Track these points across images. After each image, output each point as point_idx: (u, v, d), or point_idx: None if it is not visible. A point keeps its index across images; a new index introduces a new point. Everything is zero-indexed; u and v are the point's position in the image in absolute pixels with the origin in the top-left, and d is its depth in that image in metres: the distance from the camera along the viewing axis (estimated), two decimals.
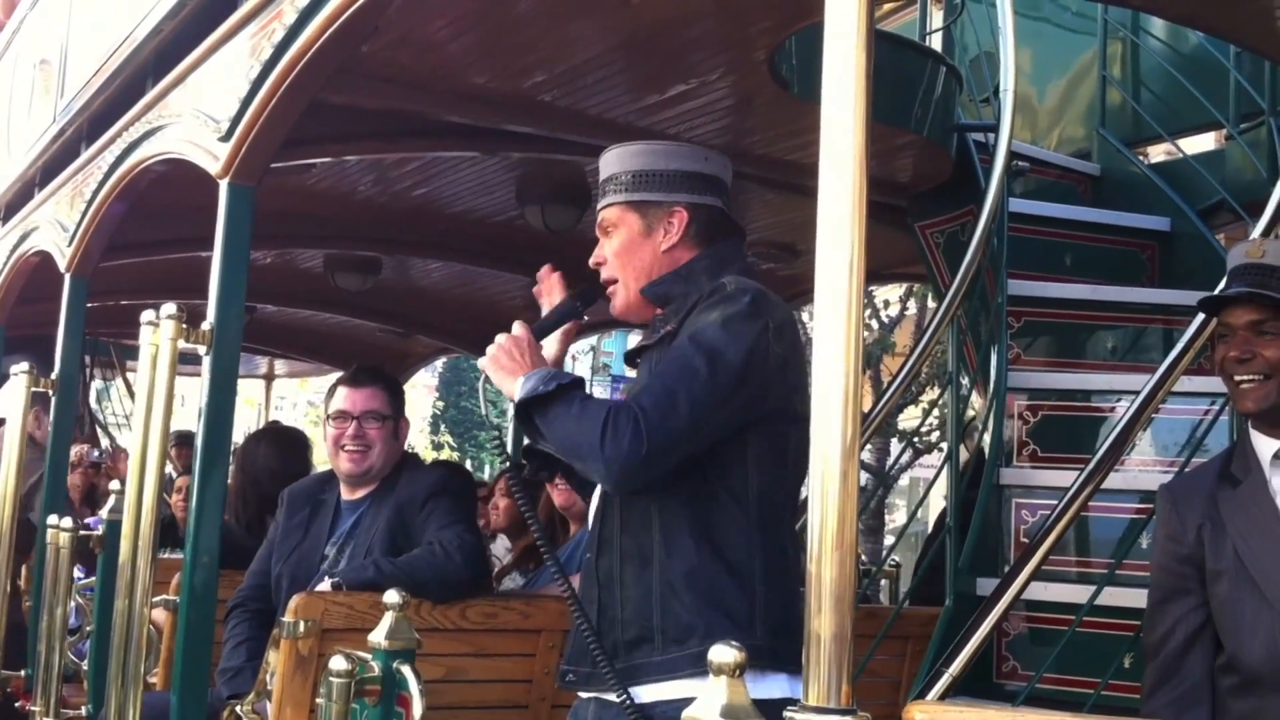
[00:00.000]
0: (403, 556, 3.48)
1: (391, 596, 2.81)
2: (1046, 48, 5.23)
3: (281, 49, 3.24)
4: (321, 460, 4.93)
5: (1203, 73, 4.78)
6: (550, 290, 2.76)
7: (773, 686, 2.27)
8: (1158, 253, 4.61)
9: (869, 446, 12.01)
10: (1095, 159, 5.09)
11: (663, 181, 2.59)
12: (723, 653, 1.72)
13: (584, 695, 2.51)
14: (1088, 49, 5.41)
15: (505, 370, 2.51)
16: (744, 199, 5.05)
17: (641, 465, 2.29)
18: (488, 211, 5.67)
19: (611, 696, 2.38)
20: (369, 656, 2.80)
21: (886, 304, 11.79)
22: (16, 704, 4.98)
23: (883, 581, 5.57)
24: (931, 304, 11.67)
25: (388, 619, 2.81)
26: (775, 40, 3.43)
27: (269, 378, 10.33)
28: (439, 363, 27.75)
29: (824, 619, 1.63)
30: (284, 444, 5.04)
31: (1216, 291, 2.73)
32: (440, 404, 33.62)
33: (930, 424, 11.52)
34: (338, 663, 2.73)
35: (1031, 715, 1.61)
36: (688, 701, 1.97)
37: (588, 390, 2.46)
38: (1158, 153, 6.11)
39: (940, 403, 11.93)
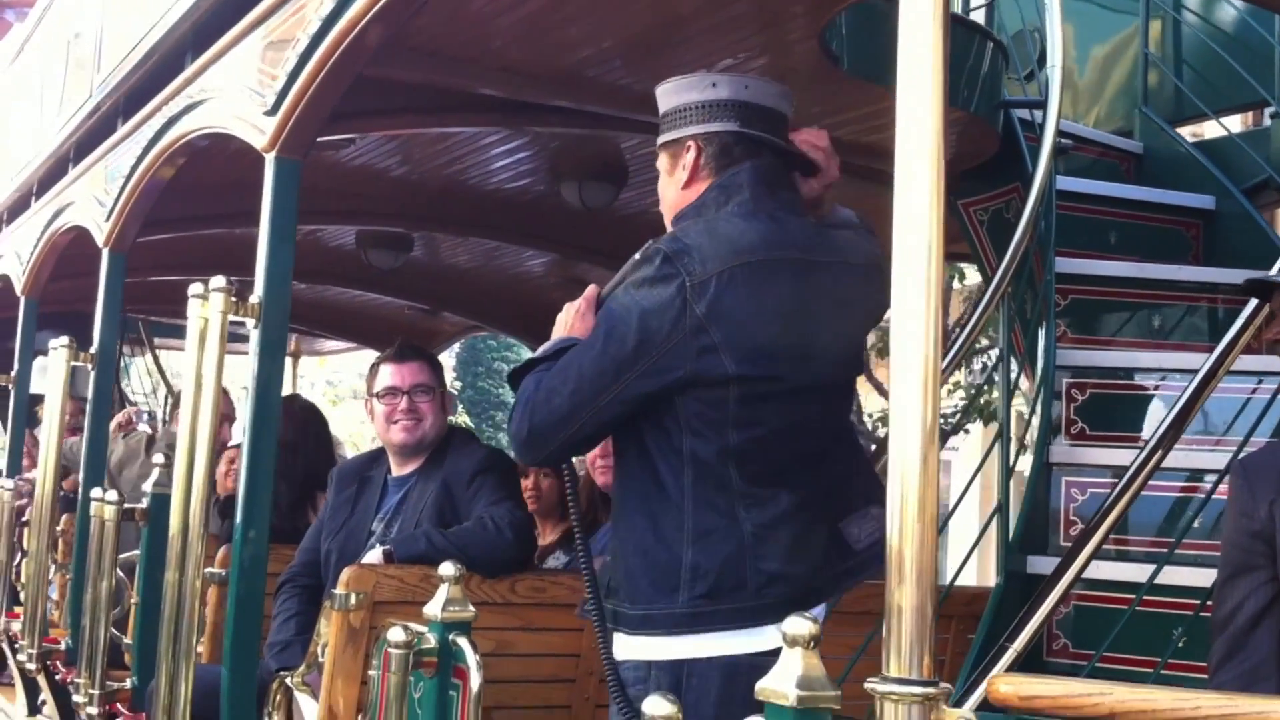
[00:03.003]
0: (453, 529, 3.49)
1: (447, 569, 2.80)
2: (1086, 25, 5.18)
3: (330, 22, 3.22)
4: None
5: (1246, 50, 4.74)
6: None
7: (678, 646, 2.31)
8: (1201, 231, 4.59)
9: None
10: (1137, 137, 5.05)
11: (676, 118, 2.55)
12: (797, 625, 1.73)
13: None
14: (1128, 26, 5.36)
15: (558, 331, 2.55)
16: None
17: (526, 444, 2.40)
18: (521, 189, 5.66)
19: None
20: (424, 629, 2.81)
21: None
22: (57, 676, 5.00)
23: None
24: (956, 285, 11.61)
25: (443, 591, 2.80)
26: (826, 15, 3.40)
27: (295, 355, 10.35)
28: (456, 344, 27.80)
29: (904, 592, 1.64)
30: (300, 417, 5.02)
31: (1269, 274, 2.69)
32: (458, 384, 33.67)
33: (954, 406, 11.49)
34: (396, 634, 2.72)
35: (1121, 690, 1.59)
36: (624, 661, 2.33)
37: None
38: (1200, 131, 6.06)
39: (965, 385, 11.93)
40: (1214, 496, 3.48)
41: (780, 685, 1.71)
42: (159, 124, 4.49)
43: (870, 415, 12.23)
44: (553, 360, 2.44)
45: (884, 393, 11.71)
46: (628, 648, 2.40)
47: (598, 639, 2.44)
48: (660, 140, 2.59)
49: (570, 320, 2.55)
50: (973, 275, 11.43)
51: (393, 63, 3.68)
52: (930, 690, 1.60)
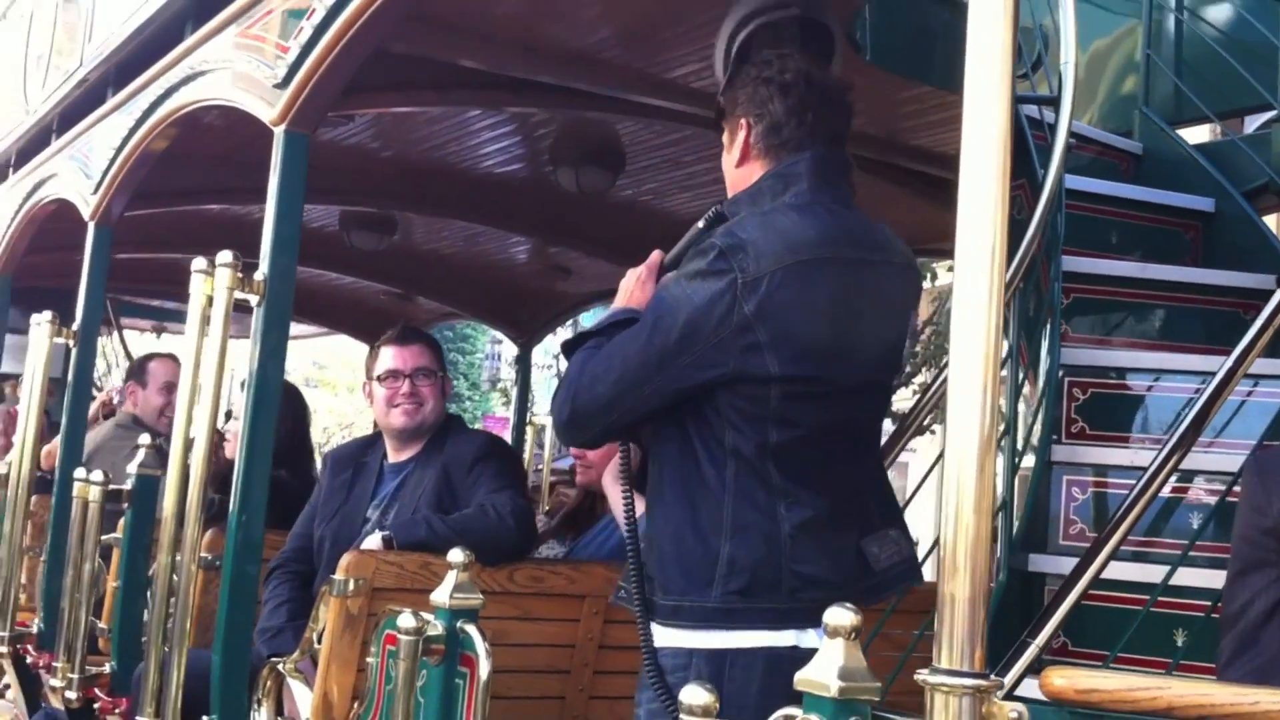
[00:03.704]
0: (454, 515, 3.45)
1: (456, 555, 2.77)
2: (1087, 23, 5.17)
3: None
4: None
5: (1249, 53, 4.75)
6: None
7: (719, 637, 2.28)
8: (1201, 233, 4.60)
9: None
10: (1137, 137, 5.06)
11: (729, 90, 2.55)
12: (840, 615, 1.72)
13: None
14: (1129, 25, 5.38)
15: (620, 299, 2.54)
16: None
17: (566, 427, 2.42)
18: (514, 172, 5.61)
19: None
20: (430, 616, 2.77)
21: None
22: (28, 661, 4.90)
23: None
24: (926, 285, 11.64)
25: (451, 577, 2.77)
26: (854, 3, 3.39)
27: None
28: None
29: (957, 584, 1.64)
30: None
31: None
32: None
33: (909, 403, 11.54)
34: (405, 620, 2.69)
35: (1179, 684, 1.58)
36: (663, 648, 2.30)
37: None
38: (1201, 133, 6.08)
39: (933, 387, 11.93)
40: (1205, 499, 3.50)
41: (821, 676, 1.70)
42: (155, 94, 4.40)
43: None
44: (606, 335, 2.43)
45: None
46: (663, 636, 2.37)
47: (638, 625, 2.39)
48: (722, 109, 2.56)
49: (631, 287, 2.54)
50: (944, 276, 11.48)
51: (405, 38, 3.63)
52: (982, 683, 1.60)
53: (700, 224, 2.50)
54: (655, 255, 2.55)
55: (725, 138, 2.57)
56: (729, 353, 2.28)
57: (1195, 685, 1.61)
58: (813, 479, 2.33)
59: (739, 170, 2.51)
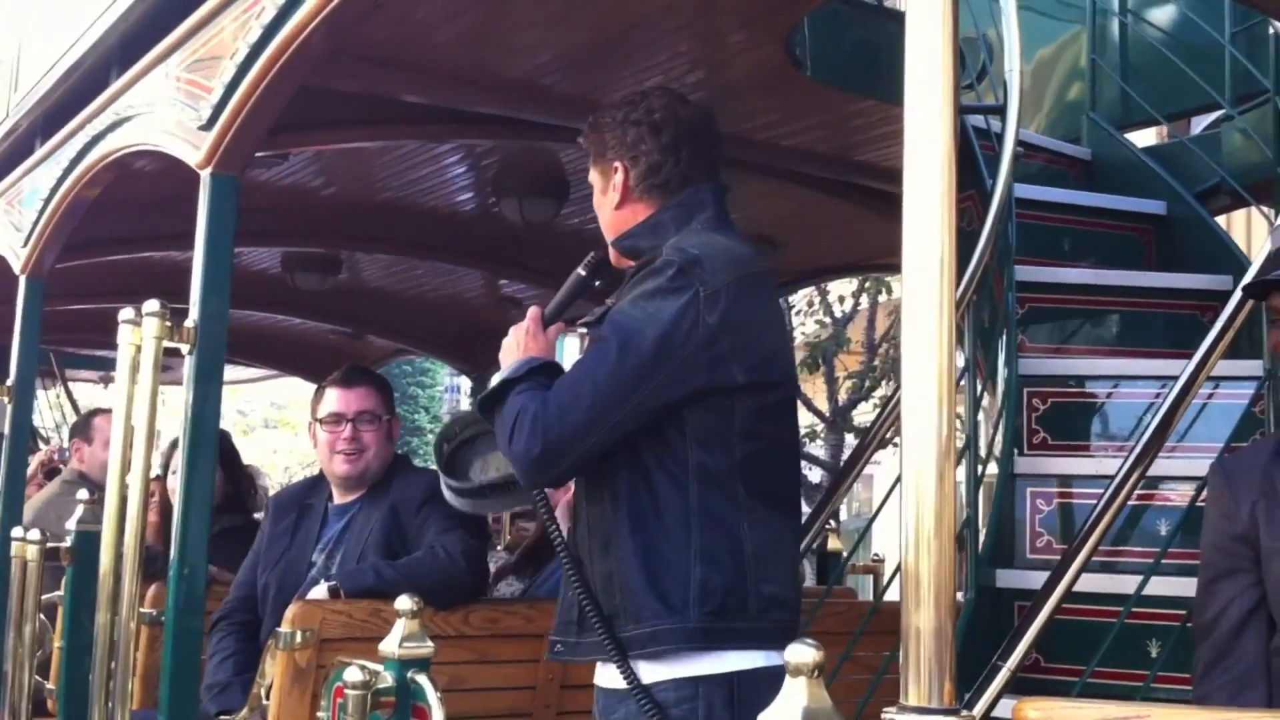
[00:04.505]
0: (402, 560, 3.36)
1: (404, 603, 2.68)
2: (1031, 31, 5.17)
3: (272, 29, 3.08)
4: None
5: (1195, 54, 4.75)
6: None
7: (726, 660, 2.29)
8: (1154, 236, 4.58)
9: (822, 442, 11.99)
10: (1085, 143, 5.05)
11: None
12: (801, 653, 1.64)
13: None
14: (1073, 31, 5.38)
15: (505, 361, 2.53)
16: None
17: (537, 463, 2.33)
18: (457, 205, 5.54)
19: (596, 671, 2.46)
20: (379, 667, 2.67)
21: (841, 299, 11.74)
22: None
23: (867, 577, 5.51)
24: (882, 299, 11.63)
25: (400, 626, 2.67)
26: (793, 19, 3.34)
27: None
28: (379, 370, 27.47)
29: (922, 615, 1.56)
30: None
31: (1253, 275, 2.66)
32: None
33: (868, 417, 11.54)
34: (352, 674, 2.60)
35: (1160, 711, 1.51)
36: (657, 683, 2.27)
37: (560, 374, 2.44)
38: (1148, 136, 6.08)
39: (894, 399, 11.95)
40: (1173, 503, 3.47)
41: (785, 718, 1.61)
42: (82, 143, 4.29)
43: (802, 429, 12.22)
44: (529, 381, 2.40)
45: (812, 408, 11.75)
46: (655, 671, 2.32)
47: (620, 669, 2.34)
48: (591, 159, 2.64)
49: (522, 341, 2.53)
50: (899, 290, 11.47)
51: (335, 73, 3.55)
52: (953, 719, 1.52)
53: (581, 271, 2.57)
54: (534, 310, 2.57)
55: (596, 179, 2.62)
56: (698, 365, 2.32)
57: (1177, 711, 1.55)
58: (772, 495, 2.38)
59: (619, 212, 2.57)
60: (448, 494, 2.90)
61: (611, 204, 2.57)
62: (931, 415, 1.55)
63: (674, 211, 2.50)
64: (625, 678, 2.32)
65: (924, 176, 1.57)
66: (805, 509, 10.94)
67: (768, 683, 2.16)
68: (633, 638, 2.32)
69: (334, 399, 3.68)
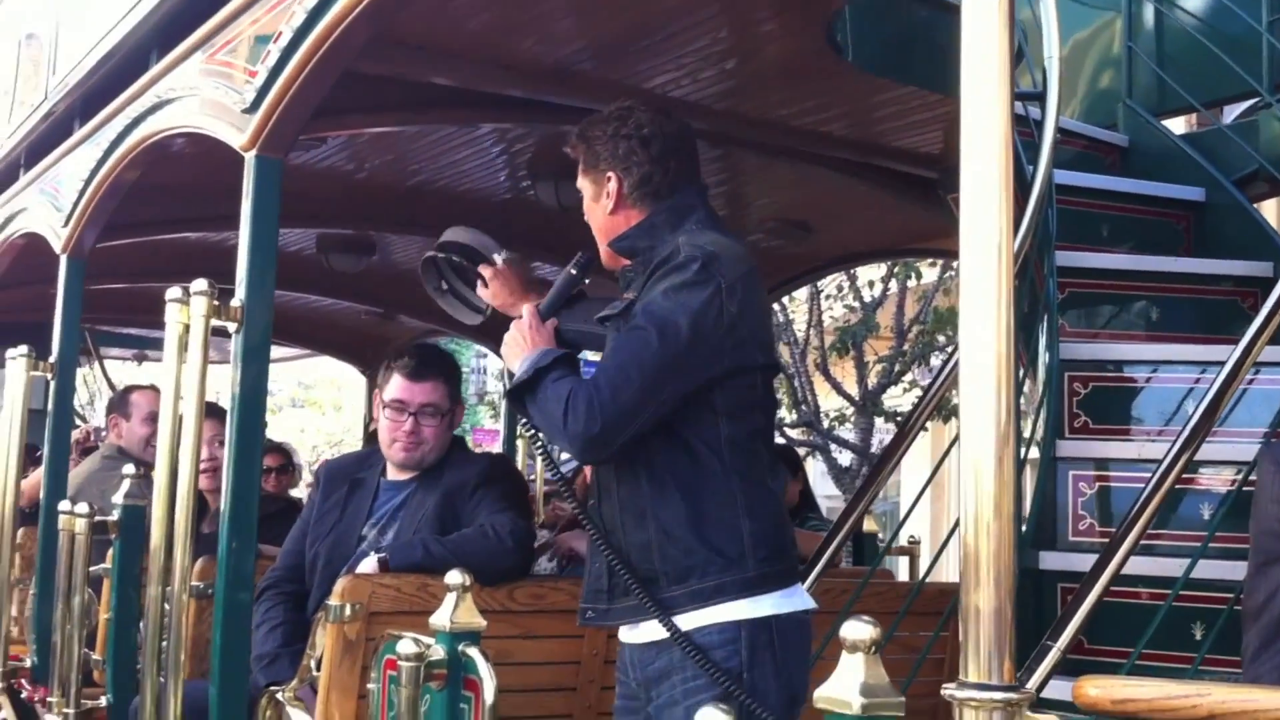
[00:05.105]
0: (451, 536, 3.39)
1: (454, 577, 2.72)
2: (1066, 17, 5.16)
3: (316, 14, 3.12)
4: None
5: (1231, 41, 4.73)
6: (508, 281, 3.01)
7: (764, 605, 2.54)
8: (1191, 223, 4.57)
9: (851, 426, 11.98)
10: (1121, 130, 5.04)
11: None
12: (858, 630, 1.67)
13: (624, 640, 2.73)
14: (1109, 18, 5.35)
15: (513, 355, 2.75)
16: (757, 173, 4.96)
17: (597, 440, 2.52)
18: (492, 189, 5.56)
19: (626, 631, 2.69)
20: (430, 640, 2.71)
21: (871, 284, 11.71)
22: (23, 695, 4.83)
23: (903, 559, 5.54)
24: (911, 284, 11.59)
25: (450, 599, 2.72)
26: (830, 4, 3.35)
27: None
28: None
29: (982, 594, 1.60)
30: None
31: None
32: None
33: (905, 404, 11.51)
34: (406, 647, 2.64)
35: (1220, 690, 1.53)
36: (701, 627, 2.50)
37: (578, 363, 2.73)
38: (1179, 125, 6.05)
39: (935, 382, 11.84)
40: (1216, 488, 3.47)
41: (842, 693, 1.65)
42: (122, 125, 4.33)
43: (828, 415, 12.21)
44: (559, 369, 2.60)
45: (842, 392, 11.73)
46: (696, 617, 2.53)
47: (663, 624, 2.53)
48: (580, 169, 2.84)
49: (528, 335, 2.76)
50: (929, 274, 11.44)
51: (375, 58, 3.58)
52: (1013, 695, 1.56)
53: (572, 269, 2.88)
54: (530, 307, 2.83)
55: (587, 187, 2.84)
56: (725, 348, 2.57)
57: (1237, 690, 1.56)
58: (774, 456, 2.72)
59: (613, 217, 2.79)
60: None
61: (605, 210, 2.79)
62: (990, 406, 1.60)
63: (665, 215, 2.71)
64: (668, 629, 2.51)
65: (982, 166, 1.61)
66: (838, 491, 10.92)
67: (797, 627, 2.58)
68: (675, 597, 2.53)
69: (399, 387, 3.64)
